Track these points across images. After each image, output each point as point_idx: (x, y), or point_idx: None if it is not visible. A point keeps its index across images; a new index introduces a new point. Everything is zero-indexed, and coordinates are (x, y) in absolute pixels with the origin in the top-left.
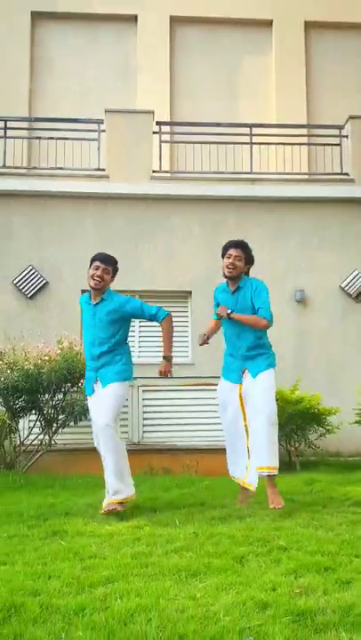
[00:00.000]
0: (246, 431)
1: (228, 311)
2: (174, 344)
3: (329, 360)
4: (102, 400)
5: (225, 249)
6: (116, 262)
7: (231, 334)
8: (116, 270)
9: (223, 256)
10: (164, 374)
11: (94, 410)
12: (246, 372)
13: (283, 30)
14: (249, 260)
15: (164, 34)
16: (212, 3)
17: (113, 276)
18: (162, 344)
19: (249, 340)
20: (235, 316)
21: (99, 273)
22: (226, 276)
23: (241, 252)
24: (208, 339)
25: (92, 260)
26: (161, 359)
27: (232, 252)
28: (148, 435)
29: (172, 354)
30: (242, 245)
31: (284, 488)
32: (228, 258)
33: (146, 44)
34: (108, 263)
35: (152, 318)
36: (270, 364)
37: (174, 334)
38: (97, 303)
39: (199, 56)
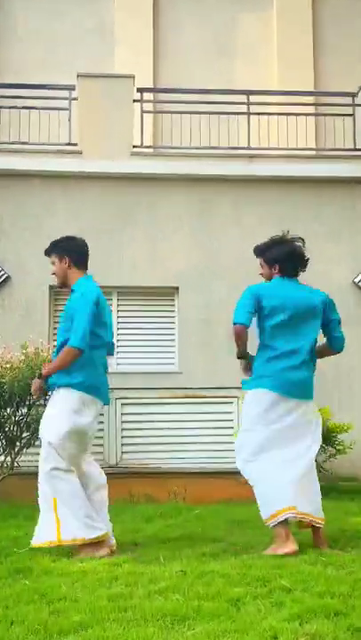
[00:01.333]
0: None
1: None
2: (159, 349)
3: (340, 368)
4: None
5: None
6: (61, 241)
7: None
8: (66, 250)
9: None
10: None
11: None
12: None
13: None
14: (274, 261)
15: None
16: None
17: (69, 259)
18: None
19: None
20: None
21: (52, 270)
22: None
23: (260, 260)
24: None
25: None
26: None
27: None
28: (128, 456)
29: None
30: (258, 252)
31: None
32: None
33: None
34: (51, 252)
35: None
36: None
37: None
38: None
39: (188, 13)
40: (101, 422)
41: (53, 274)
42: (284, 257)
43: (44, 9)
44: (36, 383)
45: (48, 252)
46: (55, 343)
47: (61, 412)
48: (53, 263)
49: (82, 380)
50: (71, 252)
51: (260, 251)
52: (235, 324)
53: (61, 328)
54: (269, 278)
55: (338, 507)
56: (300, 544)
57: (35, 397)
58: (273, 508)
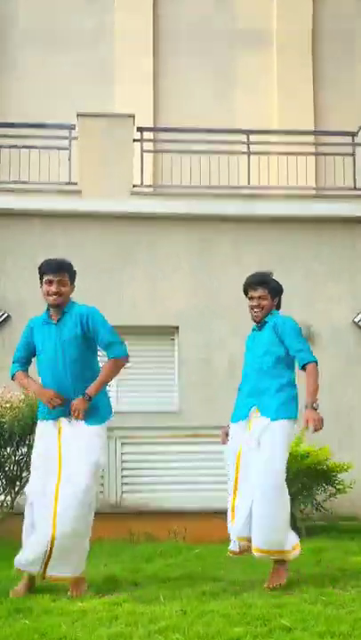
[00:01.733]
0: None
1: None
2: (159, 388)
3: (340, 407)
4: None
5: (245, 289)
6: (71, 265)
7: None
8: (73, 276)
9: (246, 295)
10: (73, 413)
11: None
12: None
13: (286, 24)
14: (276, 294)
15: (147, 27)
16: None
17: (73, 286)
18: (143, 389)
19: None
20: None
21: (54, 288)
22: (255, 321)
23: (264, 291)
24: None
25: (42, 274)
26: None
27: (253, 293)
28: (128, 495)
29: (95, 396)
30: (264, 282)
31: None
32: (251, 300)
33: (125, 39)
34: (62, 271)
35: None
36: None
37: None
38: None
39: (188, 53)
40: None
41: (57, 293)
42: (281, 290)
43: (43, 47)
44: (82, 404)
45: (59, 270)
46: None
47: (103, 442)
48: (61, 282)
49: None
50: (74, 276)
51: (266, 281)
52: (312, 361)
53: (73, 351)
54: (269, 310)
55: (338, 546)
56: (299, 584)
57: (79, 417)
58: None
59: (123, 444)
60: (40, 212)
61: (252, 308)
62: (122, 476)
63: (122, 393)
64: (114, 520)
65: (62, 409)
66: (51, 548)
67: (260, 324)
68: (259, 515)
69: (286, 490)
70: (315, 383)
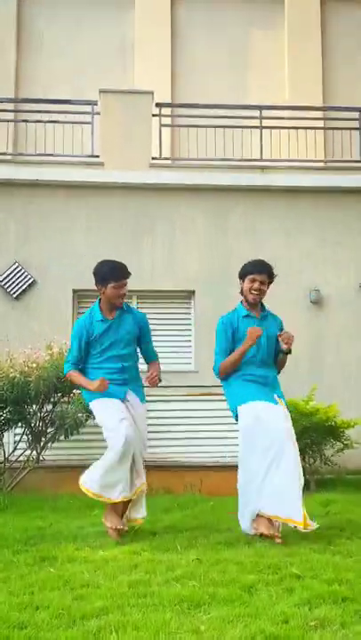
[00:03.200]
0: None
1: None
2: (177, 349)
3: (347, 367)
4: None
5: (248, 271)
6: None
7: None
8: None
9: (243, 277)
10: (153, 381)
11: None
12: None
13: (296, 2)
14: (271, 281)
15: (165, 7)
16: None
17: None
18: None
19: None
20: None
21: (124, 292)
22: (249, 302)
23: (267, 278)
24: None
25: (114, 279)
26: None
27: (257, 277)
28: (148, 450)
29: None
30: (268, 271)
31: None
32: (253, 282)
33: (145, 18)
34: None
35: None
36: None
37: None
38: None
39: (203, 31)
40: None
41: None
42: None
43: (68, 27)
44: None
45: (127, 275)
46: None
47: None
48: (124, 287)
49: None
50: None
51: (269, 269)
52: None
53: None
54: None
55: (345, 498)
56: (308, 534)
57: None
58: None
59: None
60: (64, 183)
61: (252, 290)
62: None
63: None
64: None
65: None
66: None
67: (260, 312)
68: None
69: None
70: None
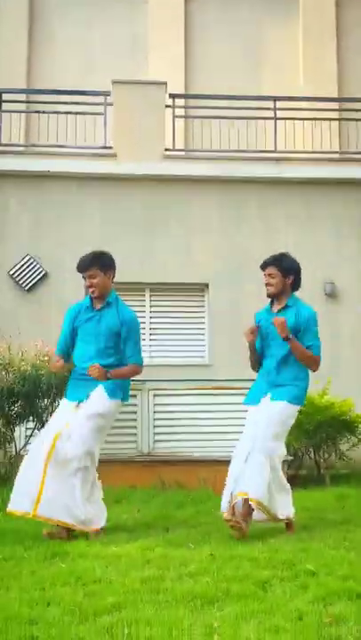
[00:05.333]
0: None
1: (289, 335)
2: (190, 342)
3: None
4: None
5: (261, 266)
6: (101, 255)
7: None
8: (106, 265)
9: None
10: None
11: None
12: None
13: None
14: (288, 271)
15: (179, 1)
16: None
17: (109, 272)
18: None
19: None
20: (292, 342)
21: (89, 282)
22: (268, 296)
23: (275, 269)
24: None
25: (78, 271)
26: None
27: (266, 270)
28: (160, 444)
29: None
30: (274, 262)
31: (312, 504)
32: (265, 276)
33: (158, 8)
34: (93, 266)
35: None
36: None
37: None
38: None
39: (217, 21)
40: (134, 412)
41: (91, 287)
42: (295, 269)
43: (81, 20)
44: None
45: (90, 267)
46: None
47: None
48: (93, 276)
49: None
50: (107, 265)
51: (276, 260)
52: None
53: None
54: (281, 287)
55: (360, 493)
56: (323, 530)
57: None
58: None
59: (155, 395)
60: (77, 175)
61: (265, 284)
62: (154, 426)
63: (155, 347)
64: (146, 468)
65: None
66: None
67: (281, 305)
68: None
69: None
70: (310, 356)
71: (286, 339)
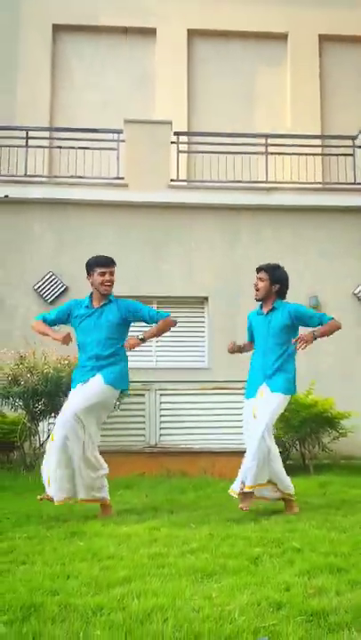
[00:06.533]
0: None
1: (312, 340)
2: (192, 348)
3: (342, 366)
4: None
5: (256, 270)
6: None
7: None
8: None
9: None
10: (128, 347)
11: None
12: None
13: (297, 43)
14: (276, 280)
15: (182, 46)
16: (228, 16)
17: None
18: (178, 349)
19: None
20: (319, 336)
21: (107, 278)
22: (255, 299)
23: (265, 275)
24: (239, 350)
25: (98, 265)
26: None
27: (258, 274)
28: (165, 438)
29: (151, 341)
30: (267, 269)
31: (298, 491)
32: (255, 278)
33: (164, 56)
34: (115, 265)
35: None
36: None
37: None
38: (102, 305)
39: (216, 68)
40: (143, 410)
41: (109, 282)
42: (282, 280)
43: (95, 63)
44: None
45: (113, 263)
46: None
47: None
48: (106, 274)
49: None
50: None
51: (268, 268)
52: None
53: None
54: (266, 291)
55: (340, 480)
56: (308, 512)
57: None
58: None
59: (161, 394)
60: (93, 202)
61: (254, 285)
62: (160, 422)
63: (160, 353)
64: (153, 458)
65: None
66: None
67: (268, 308)
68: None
69: None
70: (331, 326)
71: (314, 339)
